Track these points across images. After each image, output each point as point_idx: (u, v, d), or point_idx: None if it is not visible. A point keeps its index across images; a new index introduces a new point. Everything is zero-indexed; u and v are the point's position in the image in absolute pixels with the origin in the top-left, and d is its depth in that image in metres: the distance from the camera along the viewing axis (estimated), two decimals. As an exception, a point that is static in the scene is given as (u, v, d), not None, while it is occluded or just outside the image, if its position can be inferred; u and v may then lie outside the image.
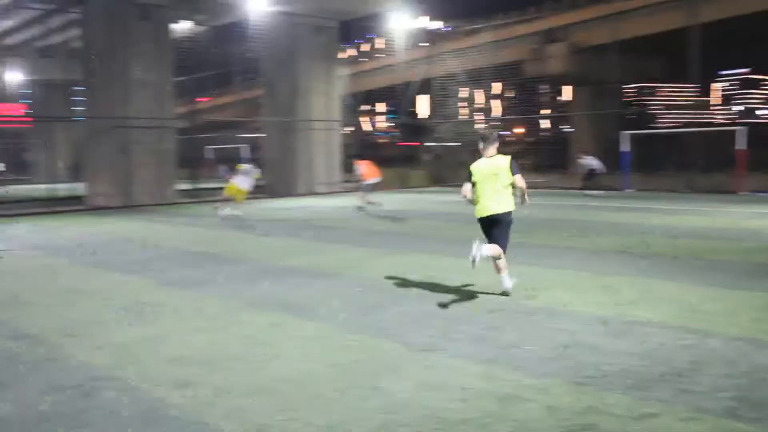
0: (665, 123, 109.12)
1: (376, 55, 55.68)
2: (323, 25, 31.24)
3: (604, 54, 34.64)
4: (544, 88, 42.44)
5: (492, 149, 8.39)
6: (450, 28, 42.03)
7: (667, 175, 31.47)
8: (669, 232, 14.28)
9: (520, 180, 8.22)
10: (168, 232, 16.82)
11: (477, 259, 7.87)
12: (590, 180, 27.23)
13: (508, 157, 8.30)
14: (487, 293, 8.47)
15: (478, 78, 36.67)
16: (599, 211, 19.62)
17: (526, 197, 8.47)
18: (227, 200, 19.70)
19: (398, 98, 36.85)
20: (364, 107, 48.88)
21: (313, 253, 12.54)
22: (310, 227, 16.71)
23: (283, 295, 8.64)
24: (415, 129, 46.28)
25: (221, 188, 20.59)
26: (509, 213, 8.27)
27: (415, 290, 8.79)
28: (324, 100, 31.58)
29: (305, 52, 30.57)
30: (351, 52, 45.03)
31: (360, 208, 20.58)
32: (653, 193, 26.46)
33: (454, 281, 9.32)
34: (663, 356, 5.80)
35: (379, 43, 54.42)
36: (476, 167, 8.36)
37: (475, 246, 7.89)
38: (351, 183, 32.13)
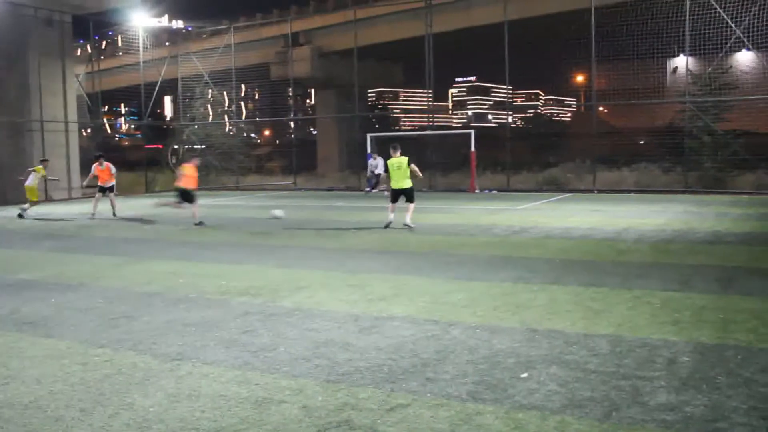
0: (406, 126, 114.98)
1: (117, 53, 53.14)
2: (55, 18, 29.16)
3: (349, 58, 35.71)
4: (290, 90, 42.77)
5: (398, 153, 15.18)
6: (191, 28, 41.13)
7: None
8: (415, 229, 15.01)
9: (414, 168, 15.09)
10: None
11: (409, 224, 15.00)
12: (374, 179, 27.44)
13: (406, 158, 15.06)
14: (241, 296, 8.36)
15: (224, 80, 36.20)
16: (346, 211, 20.19)
17: (418, 174, 15.39)
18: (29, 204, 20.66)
19: (141, 99, 35.29)
20: (105, 108, 46.38)
21: (51, 264, 11.65)
22: (49, 236, 15.53)
23: (17, 312, 7.91)
24: (160, 131, 44.74)
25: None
26: (410, 187, 15.14)
27: (163, 298, 8.45)
28: (59, 99, 29.46)
29: (36, 47, 28.30)
30: (89, 49, 42.54)
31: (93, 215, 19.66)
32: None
33: (205, 286, 9.10)
34: (411, 348, 6.06)
35: (119, 41, 51.96)
36: (390, 162, 15.22)
37: (391, 215, 15.32)
38: (91, 187, 30.47)
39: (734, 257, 10.75)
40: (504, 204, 21.44)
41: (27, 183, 20.77)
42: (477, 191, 27.26)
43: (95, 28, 33.24)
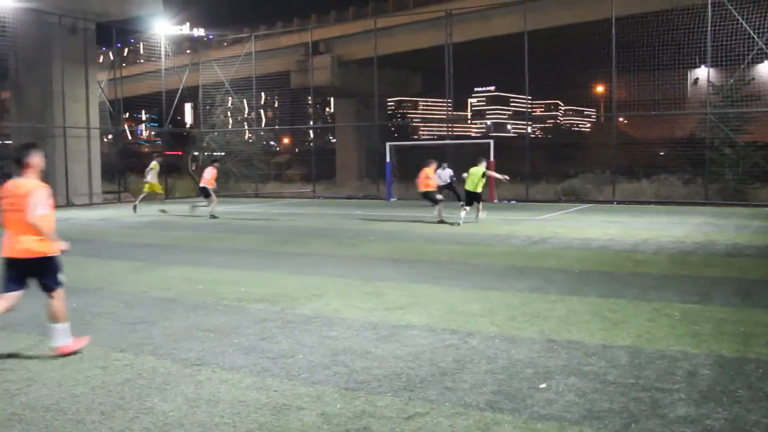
0: (425, 135, 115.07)
1: (139, 60, 53.56)
2: (79, 26, 29.45)
3: (368, 67, 35.79)
4: (310, 99, 42.94)
5: (483, 165, 18.11)
6: (213, 36, 41.46)
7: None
8: (433, 239, 15.03)
9: (491, 173, 19.16)
10: None
11: (461, 221, 17.94)
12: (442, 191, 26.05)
13: (483, 168, 18.07)
14: (259, 302, 8.40)
15: (244, 87, 36.38)
16: (367, 220, 20.22)
17: (502, 179, 19.91)
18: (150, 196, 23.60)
19: (161, 106, 35.55)
20: (126, 114, 46.68)
21: (69, 268, 11.66)
22: (70, 241, 15.62)
23: (36, 315, 7.98)
24: (180, 138, 45.01)
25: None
26: (480, 192, 18.31)
27: (181, 303, 8.50)
28: (81, 106, 29.72)
29: (59, 53, 28.56)
30: (111, 56, 42.96)
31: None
32: (415, 202, 27.62)
33: (223, 292, 9.15)
34: (429, 357, 6.07)
35: (141, 49, 52.44)
36: (472, 170, 18.04)
37: (463, 214, 18.12)
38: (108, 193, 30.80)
39: (754, 270, 10.66)
40: (522, 214, 21.38)
41: (149, 179, 23.33)
42: (495, 201, 27.19)
43: (118, 36, 33.54)
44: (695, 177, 27.29)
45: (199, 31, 38.95)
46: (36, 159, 6.26)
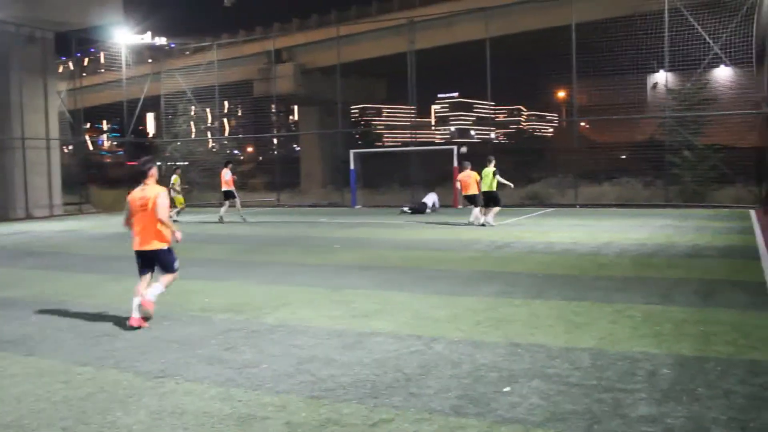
0: (389, 142, 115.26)
1: (99, 70, 52.96)
2: (37, 35, 29.06)
3: (332, 75, 35.79)
4: (273, 107, 42.82)
5: (492, 165, 18.86)
6: (174, 45, 41.09)
7: (391, 192, 33.25)
8: (399, 245, 15.06)
9: (498, 177, 18.89)
10: None
11: (484, 223, 18.66)
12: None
13: (493, 169, 18.79)
14: (224, 313, 8.35)
15: (207, 96, 36.16)
16: (332, 228, 20.21)
17: (502, 181, 19.21)
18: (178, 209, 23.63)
19: (123, 115, 35.19)
20: (87, 125, 46.11)
21: (32, 282, 11.57)
22: (31, 254, 15.40)
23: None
24: (142, 148, 44.57)
25: None
26: (496, 191, 18.88)
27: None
28: (40, 116, 29.30)
29: (17, 63, 28.16)
30: (71, 66, 42.37)
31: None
32: (381, 209, 27.70)
33: (188, 303, 9.08)
34: (394, 364, 6.08)
35: (102, 58, 51.85)
36: (484, 171, 18.84)
37: (486, 218, 18.82)
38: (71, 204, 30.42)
39: (714, 270, 10.85)
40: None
41: (173, 195, 23.14)
42: (460, 207, 27.31)
43: (78, 45, 33.17)
44: (656, 179, 27.69)
45: (161, 40, 38.57)
46: (155, 170, 8.15)
